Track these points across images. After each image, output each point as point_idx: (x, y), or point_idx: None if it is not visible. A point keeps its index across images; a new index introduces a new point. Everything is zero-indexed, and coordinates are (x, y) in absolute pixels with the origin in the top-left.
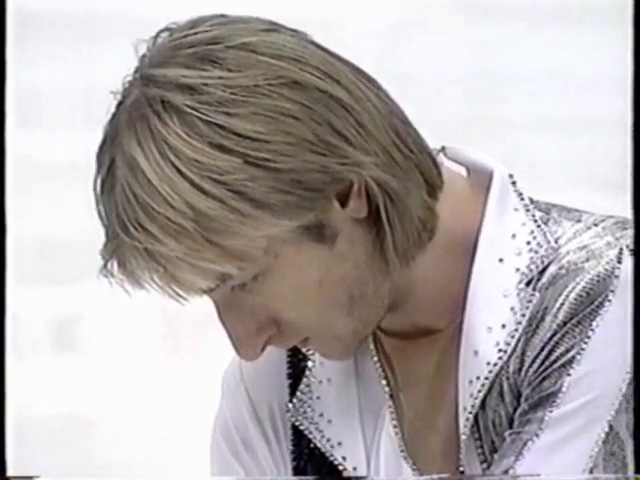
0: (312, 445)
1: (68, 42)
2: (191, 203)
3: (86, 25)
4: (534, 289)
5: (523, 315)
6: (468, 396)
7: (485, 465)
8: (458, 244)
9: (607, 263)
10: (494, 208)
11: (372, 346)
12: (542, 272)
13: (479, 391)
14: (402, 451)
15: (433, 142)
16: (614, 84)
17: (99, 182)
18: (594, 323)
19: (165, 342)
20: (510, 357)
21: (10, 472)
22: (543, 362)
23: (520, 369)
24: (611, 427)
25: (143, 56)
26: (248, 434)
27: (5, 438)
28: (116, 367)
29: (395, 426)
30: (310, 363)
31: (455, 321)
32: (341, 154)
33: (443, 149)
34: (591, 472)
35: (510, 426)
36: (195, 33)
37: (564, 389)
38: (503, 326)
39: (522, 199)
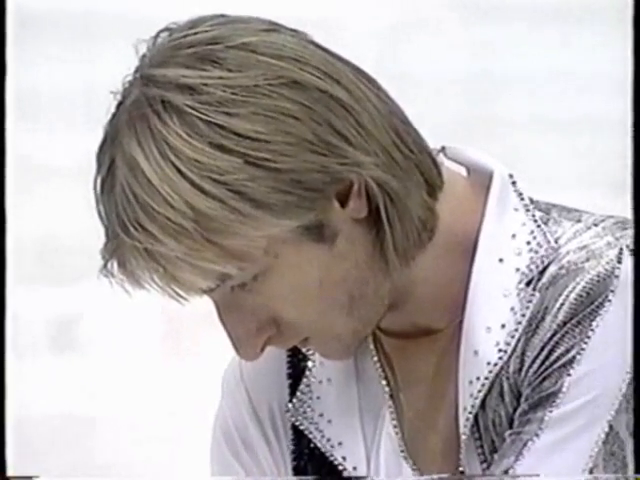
0: (312, 445)
1: (68, 42)
2: (191, 203)
3: (86, 25)
4: (534, 289)
5: (523, 315)
6: (468, 396)
7: (485, 465)
8: (458, 244)
9: (607, 263)
10: (494, 208)
11: (372, 346)
12: (542, 272)
13: (479, 391)
14: (402, 451)
15: (433, 142)
16: (614, 84)
17: (99, 182)
18: (594, 323)
19: (165, 342)
20: (510, 357)
21: (10, 472)
22: (543, 362)
23: (520, 369)
24: (611, 427)
25: (143, 56)
26: (248, 434)
27: (5, 438)
28: (116, 367)
29: (395, 426)
30: (310, 363)
31: (455, 321)
32: (341, 154)
33: (443, 149)
34: (591, 472)
35: (510, 426)
36: (195, 33)
37: (564, 389)
38: (503, 326)
39: (522, 199)
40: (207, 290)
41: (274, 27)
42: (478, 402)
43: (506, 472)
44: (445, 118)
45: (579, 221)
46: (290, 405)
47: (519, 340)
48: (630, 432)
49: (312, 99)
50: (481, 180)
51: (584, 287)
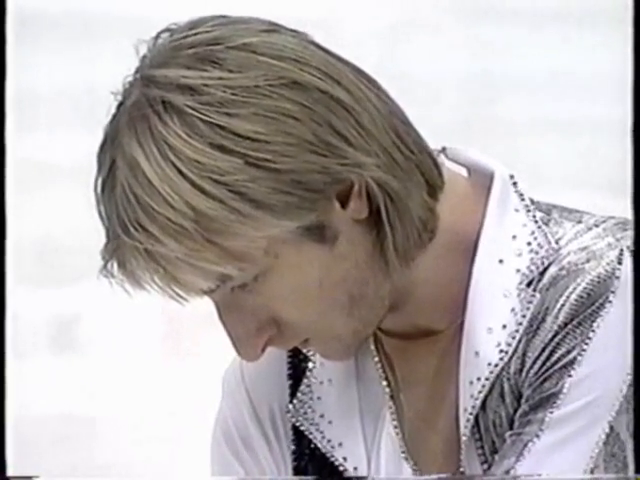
0: (313, 446)
1: (68, 42)
2: (191, 204)
3: (86, 25)
4: (535, 290)
5: (524, 316)
6: (469, 397)
7: (486, 466)
8: (458, 245)
9: (608, 264)
10: (495, 209)
11: (373, 347)
12: (543, 273)
13: (480, 392)
14: (403, 452)
15: (433, 143)
16: (614, 85)
17: (100, 182)
18: (595, 324)
19: (165, 342)
20: (511, 358)
21: (10, 472)
22: (544, 363)
23: (521, 370)
24: (612, 428)
25: (144, 57)
26: (248, 434)
27: (5, 438)
28: (116, 367)
29: (396, 427)
30: (311, 364)
31: (456, 322)
32: (341, 155)
33: (444, 150)
34: (591, 473)
35: (510, 427)
36: (195, 34)
37: (565, 390)
38: (504, 327)
39: (523, 200)
40: (207, 291)
41: (274, 28)
42: (479, 403)
43: (507, 473)
44: (445, 119)
45: (580, 222)
46: (291, 406)
47: (520, 341)
48: (631, 433)
49: (312, 100)
50: (482, 181)
51: (585, 288)
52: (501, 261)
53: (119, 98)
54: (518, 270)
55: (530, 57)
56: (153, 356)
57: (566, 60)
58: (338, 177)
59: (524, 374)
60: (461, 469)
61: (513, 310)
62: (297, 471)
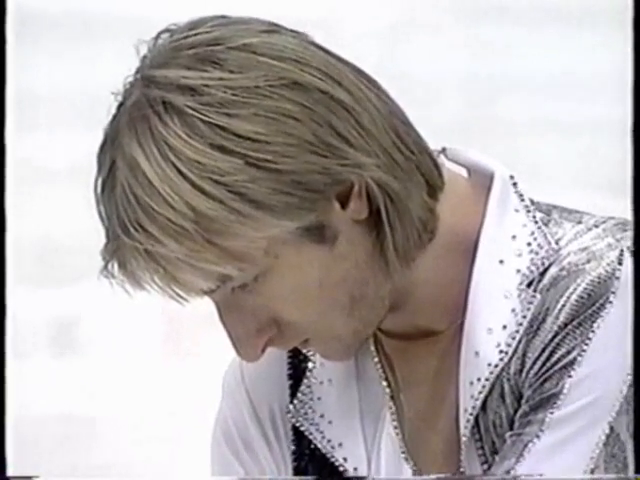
0: (313, 446)
1: (68, 43)
2: (191, 204)
3: (86, 26)
4: (535, 290)
5: (524, 316)
6: (469, 397)
7: (486, 466)
8: (459, 245)
9: (608, 265)
10: (495, 209)
11: (373, 347)
12: (543, 273)
13: (480, 392)
14: (403, 452)
15: (433, 143)
16: (614, 85)
17: (100, 183)
18: (595, 325)
19: (165, 343)
20: (511, 358)
21: (10, 472)
22: (544, 363)
23: (521, 370)
24: (612, 429)
25: (144, 57)
26: (248, 434)
27: (5, 438)
28: (116, 367)
29: (396, 427)
30: (311, 364)
31: (456, 322)
32: (342, 155)
33: (444, 150)
34: (592, 474)
35: (511, 427)
36: (196, 34)
37: (565, 391)
38: (504, 327)
39: (523, 200)
40: (207, 291)
41: (275, 28)
42: (479, 403)
43: (507, 473)
44: (445, 119)
45: (580, 222)
46: (291, 406)
47: (520, 341)
48: (631, 434)
49: (313, 100)
50: (482, 181)
51: (585, 289)
52: (501, 261)
53: (119, 98)
54: (518, 270)
55: (530, 57)
56: (153, 356)
57: (566, 60)
58: (338, 177)
59: (524, 374)
60: (461, 469)
61: (513, 310)
62: (297, 471)
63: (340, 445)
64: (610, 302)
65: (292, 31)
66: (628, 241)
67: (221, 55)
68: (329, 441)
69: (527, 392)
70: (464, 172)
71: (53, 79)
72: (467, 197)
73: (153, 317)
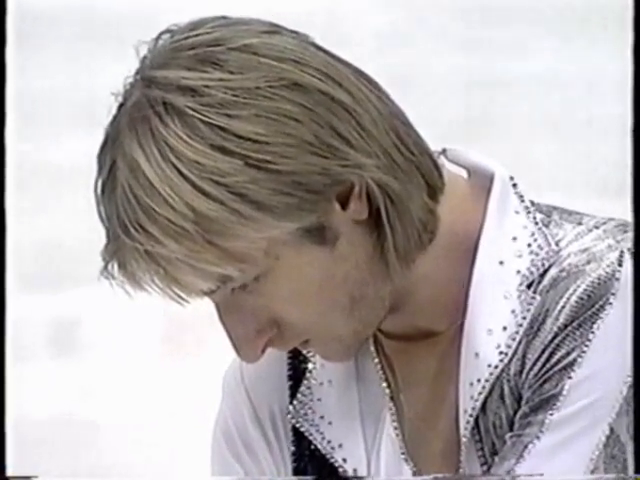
0: (313, 447)
1: (69, 43)
2: (192, 205)
3: (87, 26)
4: (535, 292)
5: (524, 318)
6: (469, 398)
7: (486, 467)
8: (459, 246)
9: (608, 266)
10: (495, 210)
11: (373, 348)
12: (543, 275)
13: (480, 393)
14: (403, 453)
15: (433, 144)
16: (614, 86)
17: (100, 183)
18: (595, 326)
19: (165, 344)
20: (511, 360)
21: (10, 472)
22: (544, 365)
23: (521, 371)
24: (612, 430)
25: (144, 58)
26: (248, 435)
27: (5, 438)
28: (117, 368)
29: (396, 428)
30: (311, 365)
31: (456, 323)
32: (342, 156)
33: (444, 151)
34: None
35: (511, 428)
36: (196, 35)
37: (565, 392)
38: (504, 328)
39: (523, 201)
40: (208, 292)
41: (275, 29)
42: (479, 404)
43: (507, 474)
44: (445, 120)
45: (580, 224)
46: (291, 407)
47: (520, 342)
48: (631, 435)
49: (313, 101)
50: (482, 182)
51: (585, 290)
52: (501, 262)
53: (120, 99)
54: (518, 271)
55: (530, 58)
56: (153, 357)
57: (566, 60)
58: (338, 178)
59: (524, 376)
60: (461, 470)
61: (513, 312)
62: (297, 472)
63: (340, 446)
64: (610, 303)
65: (292, 32)
66: (628, 242)
67: (221, 56)
68: (329, 442)
69: (527, 393)
70: (464, 173)
71: (53, 79)
72: (467, 198)
73: (153, 318)
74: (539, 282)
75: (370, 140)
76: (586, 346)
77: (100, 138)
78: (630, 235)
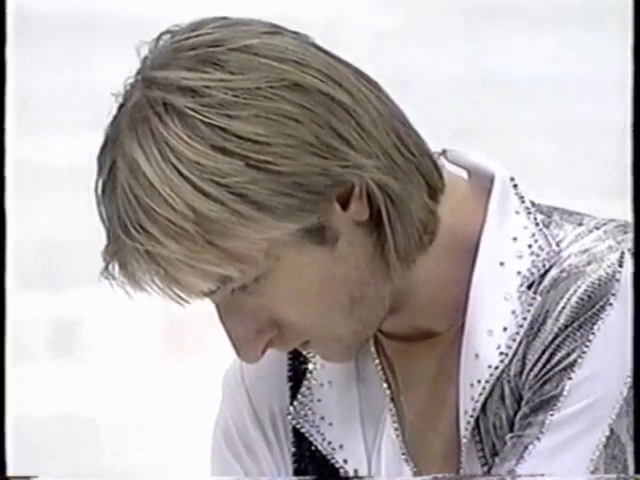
0: (313, 448)
1: (69, 43)
2: (192, 205)
3: (87, 26)
4: (535, 292)
5: (524, 318)
6: (469, 399)
7: (486, 468)
8: (459, 247)
9: (608, 267)
10: (495, 211)
11: (373, 349)
12: (543, 275)
13: (480, 394)
14: (403, 454)
15: (433, 145)
16: (614, 87)
17: (100, 184)
18: (595, 327)
19: (165, 344)
20: (511, 360)
21: (10, 472)
22: (544, 365)
23: (521, 372)
24: (612, 431)
25: (145, 58)
26: (248, 436)
27: (5, 438)
28: (117, 369)
29: (396, 429)
30: (311, 366)
31: (456, 324)
32: (342, 157)
33: (444, 152)
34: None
35: (511, 429)
36: (197, 35)
37: (565, 393)
38: (504, 329)
39: (523, 202)
40: (208, 292)
41: (276, 29)
42: (479, 405)
43: (507, 474)
44: (445, 121)
45: (581, 224)
46: (291, 408)
47: (520, 343)
48: (631, 436)
49: (314, 102)
50: (482, 183)
51: (585, 291)
52: (502, 263)
53: (120, 99)
54: (519, 272)
55: (530, 59)
56: (153, 358)
57: (566, 61)
58: (339, 179)
59: (524, 376)
60: (461, 471)
61: (514, 312)
62: (297, 473)
63: (341, 447)
64: (610, 304)
65: (293, 32)
66: (629, 243)
67: (222, 56)
68: (329, 443)
69: (527, 394)
70: (464, 174)
71: (53, 80)
72: (467, 199)
73: (153, 318)
74: (539, 283)
75: (370, 141)
76: (586, 347)
77: (100, 138)
78: (630, 236)
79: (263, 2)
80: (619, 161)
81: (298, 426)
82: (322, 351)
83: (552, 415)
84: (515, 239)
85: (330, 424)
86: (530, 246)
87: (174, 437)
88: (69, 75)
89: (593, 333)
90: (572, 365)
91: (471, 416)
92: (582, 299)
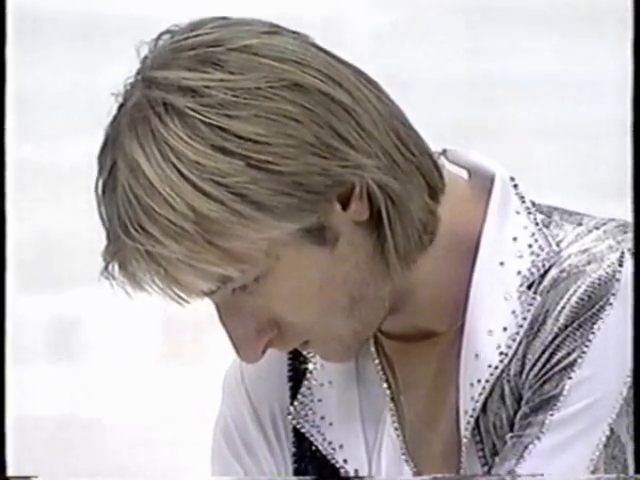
0: (313, 448)
1: (69, 43)
2: (192, 205)
3: (87, 26)
4: (535, 292)
5: (524, 318)
6: (469, 399)
7: (486, 468)
8: (459, 246)
9: (608, 266)
10: (495, 211)
11: (373, 349)
12: (543, 275)
13: (480, 394)
14: (403, 454)
15: (434, 145)
16: (614, 87)
17: (100, 184)
18: (595, 327)
19: (165, 344)
20: (511, 360)
21: (10, 472)
22: (544, 365)
23: (521, 372)
24: (612, 430)
25: (145, 58)
26: (249, 435)
27: (5, 439)
28: (117, 369)
29: (396, 429)
30: (311, 366)
31: (456, 324)
32: (342, 157)
33: (444, 152)
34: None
35: (511, 429)
36: (196, 35)
37: (565, 392)
38: (504, 329)
39: (523, 202)
40: (208, 292)
41: (276, 29)
42: (479, 405)
43: (507, 474)
44: (445, 121)
45: (580, 224)
46: (291, 408)
47: (520, 343)
48: (631, 435)
49: (314, 102)
50: (482, 183)
51: (585, 290)
52: (502, 263)
53: (120, 99)
54: (519, 272)
55: (530, 59)
56: (153, 358)
57: (566, 62)
58: (339, 179)
59: (524, 376)
60: (461, 471)
61: (514, 312)
62: (298, 473)
63: (341, 447)
64: (610, 304)
65: (293, 32)
66: (629, 243)
67: (222, 56)
68: (330, 443)
69: (527, 394)
70: (464, 174)
71: (53, 80)
72: (468, 199)
73: (153, 319)
74: (539, 283)
75: (370, 140)
76: (586, 347)
77: (100, 138)
78: (630, 236)
79: (263, 2)
80: (619, 161)
81: (298, 426)
82: (322, 351)
83: (552, 415)
84: (515, 239)
85: (330, 424)
86: (530, 246)
87: (174, 437)
88: (69, 75)
89: (593, 333)
90: (572, 365)
91: (471, 416)
92: (582, 299)
